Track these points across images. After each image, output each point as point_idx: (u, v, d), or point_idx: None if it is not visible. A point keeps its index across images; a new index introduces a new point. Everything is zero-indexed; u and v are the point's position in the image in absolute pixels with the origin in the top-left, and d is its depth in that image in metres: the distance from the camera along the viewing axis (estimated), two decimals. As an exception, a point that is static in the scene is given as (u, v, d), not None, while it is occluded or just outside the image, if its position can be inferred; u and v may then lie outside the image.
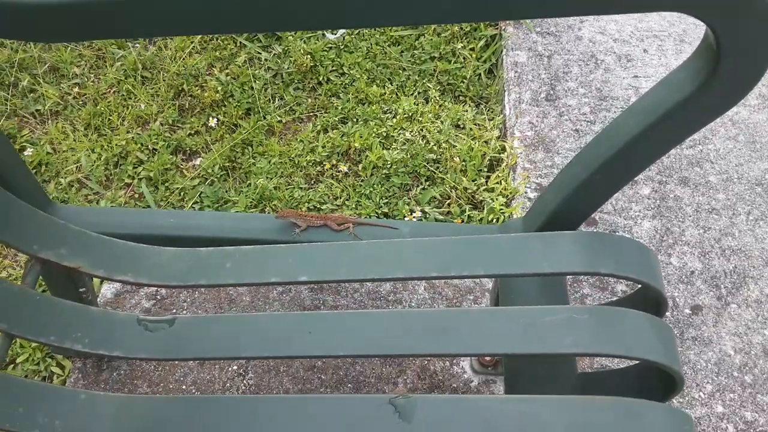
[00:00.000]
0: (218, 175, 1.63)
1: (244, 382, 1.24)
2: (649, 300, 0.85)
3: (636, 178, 1.63)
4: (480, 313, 0.77)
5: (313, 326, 0.76)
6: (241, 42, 1.93)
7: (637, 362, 0.85)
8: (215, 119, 1.74)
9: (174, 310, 1.33)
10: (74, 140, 1.70)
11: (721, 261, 1.44)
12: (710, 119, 0.71)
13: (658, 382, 0.81)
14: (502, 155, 1.65)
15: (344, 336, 0.75)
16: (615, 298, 1.37)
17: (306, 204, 1.57)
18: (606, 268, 0.77)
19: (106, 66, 1.87)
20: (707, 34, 0.62)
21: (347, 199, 1.58)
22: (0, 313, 0.73)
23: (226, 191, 1.61)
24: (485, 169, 1.64)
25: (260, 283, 0.80)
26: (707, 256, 1.46)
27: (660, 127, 0.71)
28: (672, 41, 1.93)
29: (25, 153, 1.67)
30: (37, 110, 1.78)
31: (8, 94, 1.80)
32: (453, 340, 0.73)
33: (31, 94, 1.81)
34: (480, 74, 1.86)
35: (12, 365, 1.32)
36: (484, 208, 1.55)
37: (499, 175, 1.60)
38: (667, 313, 1.38)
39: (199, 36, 1.93)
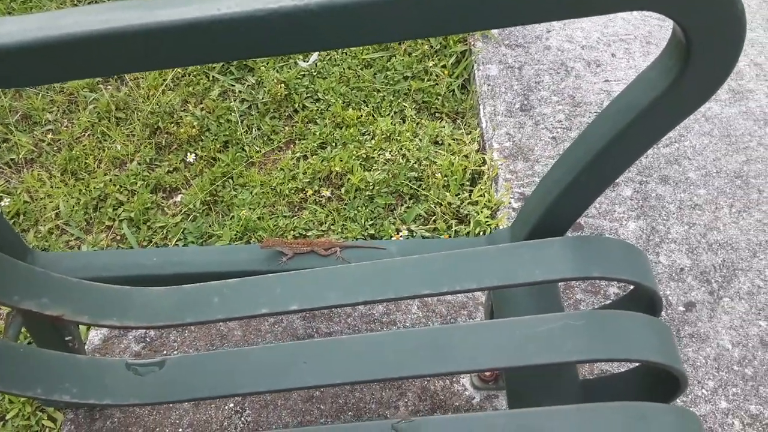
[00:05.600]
0: (200, 210, 1.61)
1: (242, 419, 1.21)
2: (644, 300, 0.84)
3: (617, 180, 1.64)
4: (475, 328, 0.76)
5: (308, 355, 0.75)
6: (213, 76, 1.93)
7: (639, 364, 0.84)
8: (193, 155, 1.73)
9: (165, 351, 1.30)
10: (51, 187, 1.68)
11: (709, 256, 1.45)
12: (685, 115, 0.72)
13: (661, 382, 0.80)
14: (483, 168, 1.65)
15: (340, 363, 0.73)
16: (608, 302, 1.37)
17: (291, 232, 1.55)
18: (597, 272, 0.77)
19: (79, 110, 1.86)
20: (675, 31, 0.63)
21: (332, 224, 1.57)
22: (-18, 369, 0.71)
23: (210, 226, 1.59)
24: (468, 183, 1.64)
25: (250, 315, 0.78)
26: (695, 251, 1.46)
27: (636, 127, 0.71)
28: (638, 44, 1.96)
29: (2, 204, 1.64)
30: (11, 159, 1.75)
31: (-20, 145, 1.77)
32: (451, 358, 0.72)
33: (5, 144, 1.78)
34: (453, 90, 1.87)
35: (2, 422, 1.28)
36: (470, 222, 1.54)
37: (482, 187, 1.60)
38: (662, 312, 1.38)
39: (172, 72, 1.93)
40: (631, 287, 0.91)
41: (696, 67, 0.62)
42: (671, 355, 0.71)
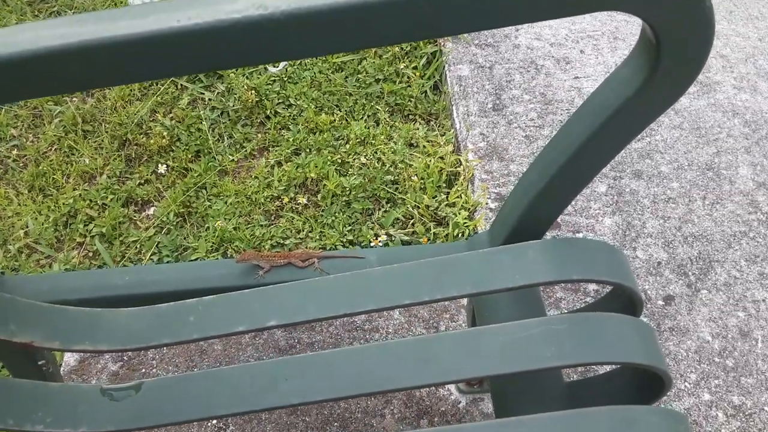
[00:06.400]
0: (174, 223, 1.58)
1: (224, 435, 1.19)
2: (624, 299, 0.84)
3: (592, 176, 1.65)
4: (459, 337, 0.75)
5: (290, 372, 0.73)
6: (182, 84, 1.89)
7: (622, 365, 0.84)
8: (164, 166, 1.69)
9: (143, 369, 1.27)
10: (19, 204, 1.63)
11: (685, 248, 1.47)
12: (658, 113, 0.72)
13: (646, 381, 0.80)
14: (458, 169, 1.65)
15: (324, 378, 0.72)
16: (588, 299, 1.38)
17: (269, 241, 1.53)
18: (577, 274, 0.77)
19: (44, 124, 1.81)
20: (645, 29, 0.63)
21: (310, 231, 1.55)
22: (-53, 404, 0.68)
23: (184, 238, 1.56)
24: (444, 185, 1.64)
25: (227, 333, 0.77)
26: (671, 245, 1.48)
27: (611, 126, 0.71)
28: (606, 39, 1.98)
29: (-34, 224, 1.59)
30: (-26, 178, 1.70)
31: (-58, 164, 1.72)
32: (436, 369, 0.71)
33: (-33, 162, 1.73)
34: (426, 91, 1.86)
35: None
36: (448, 224, 1.54)
37: (458, 189, 1.60)
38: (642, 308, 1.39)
39: (138, 83, 1.89)
40: (612, 287, 0.91)
41: (667, 64, 0.62)
42: (654, 355, 0.71)
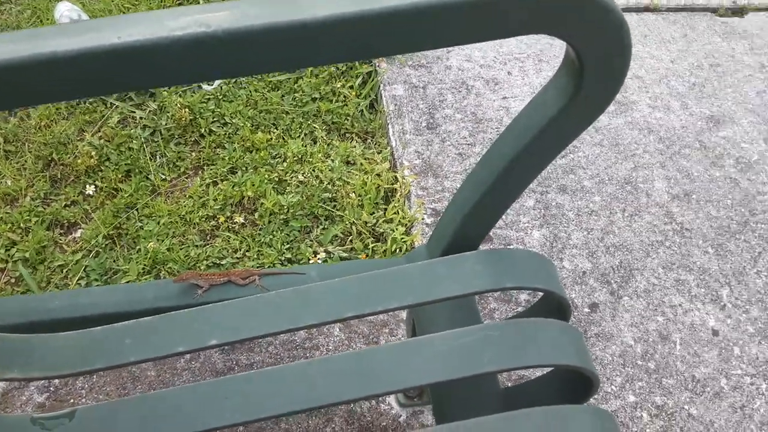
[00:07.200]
0: (103, 245, 1.53)
1: (161, 462, 1.15)
2: (554, 306, 0.89)
3: (521, 192, 1.72)
4: (398, 347, 0.77)
5: (229, 391, 0.72)
6: (111, 102, 1.84)
7: (554, 368, 0.88)
8: (93, 186, 1.64)
9: (71, 400, 1.22)
10: (-70, 229, 1.54)
11: (607, 258, 1.55)
12: (581, 130, 0.77)
13: (577, 383, 0.85)
14: (395, 186, 1.68)
15: (264, 396, 0.72)
16: (519, 308, 1.43)
17: (204, 261, 1.50)
18: (510, 283, 0.80)
19: (-40, 144, 1.72)
20: (568, 52, 0.68)
21: (247, 251, 1.54)
22: None
23: (114, 261, 1.51)
24: (381, 202, 1.66)
25: (166, 355, 0.75)
26: (594, 255, 1.56)
27: (536, 145, 0.75)
28: (531, 62, 2.08)
29: None
30: None
31: None
32: (376, 380, 0.72)
33: None
34: (362, 110, 1.90)
35: None
36: (386, 240, 1.56)
37: (396, 205, 1.63)
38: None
39: (64, 102, 1.83)
40: (541, 295, 0.96)
41: (589, 84, 0.67)
42: (583, 357, 0.76)
